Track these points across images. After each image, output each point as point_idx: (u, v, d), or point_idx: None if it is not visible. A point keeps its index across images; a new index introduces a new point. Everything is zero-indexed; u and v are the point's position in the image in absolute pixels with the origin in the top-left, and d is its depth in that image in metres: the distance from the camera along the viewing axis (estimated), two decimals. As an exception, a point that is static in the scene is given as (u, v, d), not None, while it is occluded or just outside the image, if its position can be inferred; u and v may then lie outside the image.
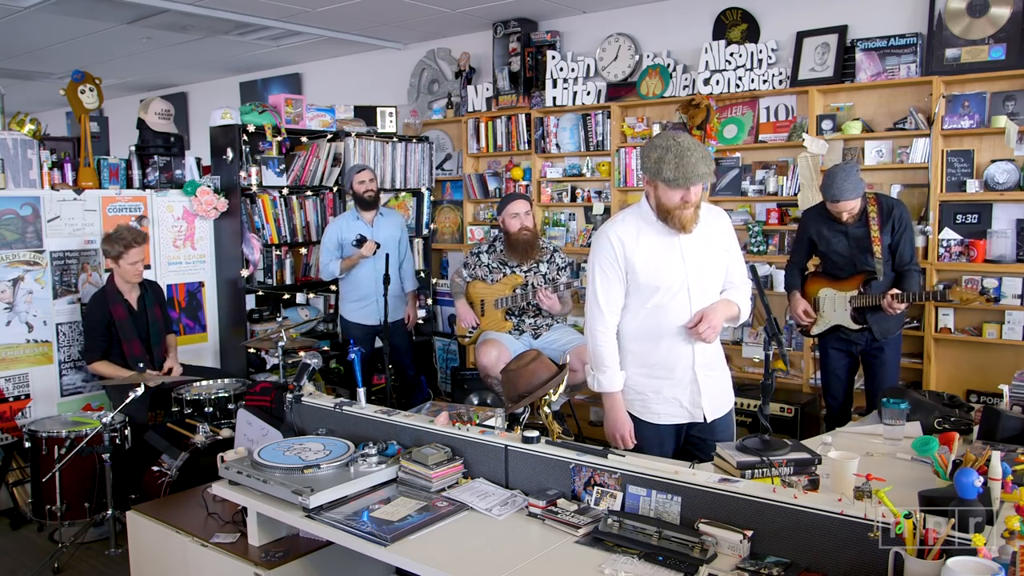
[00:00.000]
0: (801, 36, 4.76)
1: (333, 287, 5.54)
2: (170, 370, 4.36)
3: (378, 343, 5.03)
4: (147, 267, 4.78)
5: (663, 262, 2.69)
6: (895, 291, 3.61)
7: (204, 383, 4.21)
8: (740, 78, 4.88)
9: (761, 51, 4.83)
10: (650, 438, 2.78)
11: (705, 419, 2.76)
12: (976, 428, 2.61)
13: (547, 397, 2.62)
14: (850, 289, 3.80)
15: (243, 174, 4.99)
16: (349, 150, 5.53)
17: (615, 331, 2.77)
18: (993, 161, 4.12)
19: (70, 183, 4.52)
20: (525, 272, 4.42)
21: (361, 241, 4.81)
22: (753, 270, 2.63)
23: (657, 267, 2.69)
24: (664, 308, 2.71)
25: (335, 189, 5.50)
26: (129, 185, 4.80)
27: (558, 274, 4.42)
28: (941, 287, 3.84)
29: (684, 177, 2.51)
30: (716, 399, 2.80)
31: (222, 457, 2.67)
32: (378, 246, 4.82)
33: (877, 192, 3.86)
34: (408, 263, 5.24)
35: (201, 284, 5.15)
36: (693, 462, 2.36)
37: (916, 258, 3.79)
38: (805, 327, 3.97)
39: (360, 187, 4.94)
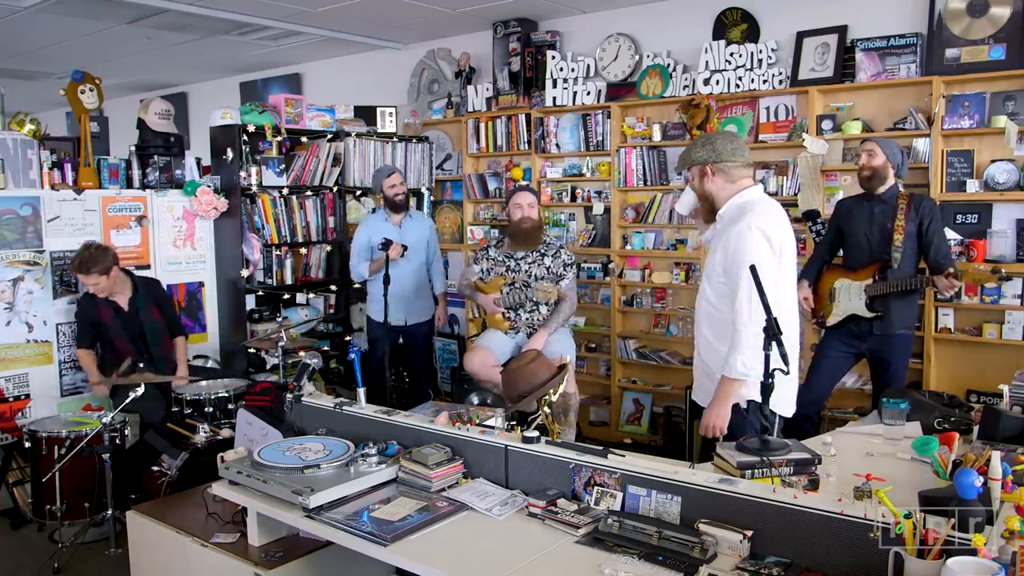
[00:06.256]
0: (801, 36, 4.75)
1: (333, 287, 5.54)
2: (175, 370, 4.33)
3: (400, 341, 5.15)
4: (146, 267, 4.82)
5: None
6: (951, 270, 3.60)
7: (204, 383, 4.21)
8: (740, 78, 4.88)
9: (761, 51, 4.82)
10: None
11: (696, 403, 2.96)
12: (976, 428, 2.62)
13: (547, 397, 2.62)
14: (865, 278, 3.82)
15: (243, 174, 4.99)
16: (349, 150, 5.53)
17: None
18: (993, 161, 4.11)
19: (70, 183, 4.52)
20: (529, 264, 4.43)
21: (387, 244, 4.81)
22: (753, 270, 2.42)
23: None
24: None
25: (335, 189, 5.49)
26: (129, 185, 4.80)
27: (564, 270, 4.42)
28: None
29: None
30: (701, 387, 2.94)
31: (222, 457, 2.67)
32: (405, 249, 4.82)
33: (912, 191, 3.89)
34: (437, 264, 5.25)
35: (201, 284, 5.15)
36: (693, 462, 2.36)
37: (951, 256, 3.78)
38: (821, 318, 3.98)
39: (391, 191, 4.95)
